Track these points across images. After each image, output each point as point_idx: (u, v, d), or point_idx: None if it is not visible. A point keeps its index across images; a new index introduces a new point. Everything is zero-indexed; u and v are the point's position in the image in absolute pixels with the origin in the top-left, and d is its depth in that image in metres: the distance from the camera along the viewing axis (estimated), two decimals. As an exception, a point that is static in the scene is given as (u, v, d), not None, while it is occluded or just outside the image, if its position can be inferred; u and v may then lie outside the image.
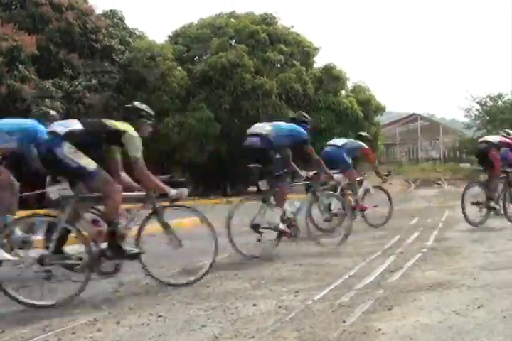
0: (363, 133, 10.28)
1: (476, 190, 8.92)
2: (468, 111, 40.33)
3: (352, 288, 4.52)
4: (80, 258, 4.37)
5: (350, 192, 8.93)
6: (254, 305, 4.08)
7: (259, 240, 6.36)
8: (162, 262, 5.56)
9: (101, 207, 4.74)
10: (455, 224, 9.08)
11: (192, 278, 5.00)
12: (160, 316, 3.86)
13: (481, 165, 9.22)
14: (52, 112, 6.75)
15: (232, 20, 26.14)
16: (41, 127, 5.64)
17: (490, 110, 39.56)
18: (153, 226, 5.11)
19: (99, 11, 24.15)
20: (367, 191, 9.30)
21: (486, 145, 8.91)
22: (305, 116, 7.63)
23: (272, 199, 6.56)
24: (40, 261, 4.23)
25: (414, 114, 52.03)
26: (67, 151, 4.38)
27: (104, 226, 4.63)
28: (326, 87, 25.86)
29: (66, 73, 20.93)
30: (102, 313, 3.99)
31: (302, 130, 7.03)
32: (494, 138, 9.24)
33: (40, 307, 4.13)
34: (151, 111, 5.17)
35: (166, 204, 5.05)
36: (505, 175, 8.95)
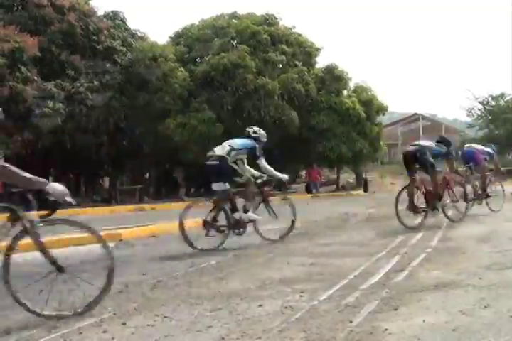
0: None
1: None
2: (470, 111, 40.39)
3: (357, 288, 4.51)
4: None
5: None
6: (260, 305, 4.07)
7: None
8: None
9: None
10: (459, 224, 9.06)
11: None
12: (165, 317, 3.85)
13: None
14: None
15: (233, 20, 26.18)
16: None
17: (492, 109, 39.54)
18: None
19: (100, 13, 24.28)
20: None
21: None
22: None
23: None
24: None
25: (416, 113, 52.00)
26: None
27: None
28: (328, 87, 25.89)
29: (68, 74, 20.99)
30: (107, 314, 3.98)
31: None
32: None
33: None
34: None
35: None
36: None
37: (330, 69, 26.41)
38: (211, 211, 7.44)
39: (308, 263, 5.87)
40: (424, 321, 3.50)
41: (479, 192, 10.88)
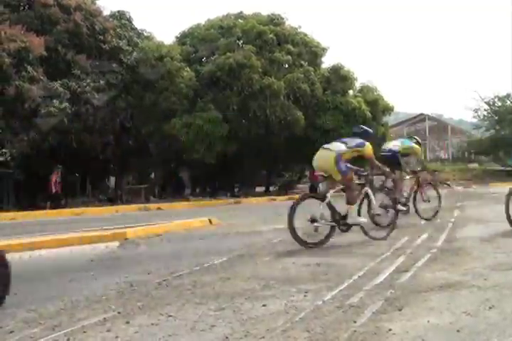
0: None
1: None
2: (476, 112, 40.17)
3: (362, 289, 4.49)
4: None
5: None
6: (264, 305, 4.06)
7: None
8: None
9: None
10: (464, 225, 9.03)
11: None
12: (170, 316, 3.85)
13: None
14: None
15: (239, 20, 26.18)
16: None
17: (498, 110, 39.33)
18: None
19: (106, 12, 24.28)
20: None
21: None
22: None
23: None
24: None
25: (422, 114, 51.83)
26: None
27: None
28: (333, 87, 25.85)
29: (74, 74, 21.00)
30: (111, 313, 3.98)
31: None
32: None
33: None
34: None
35: None
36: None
37: (336, 69, 26.37)
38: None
39: (313, 263, 5.86)
40: (428, 322, 3.49)
41: None
